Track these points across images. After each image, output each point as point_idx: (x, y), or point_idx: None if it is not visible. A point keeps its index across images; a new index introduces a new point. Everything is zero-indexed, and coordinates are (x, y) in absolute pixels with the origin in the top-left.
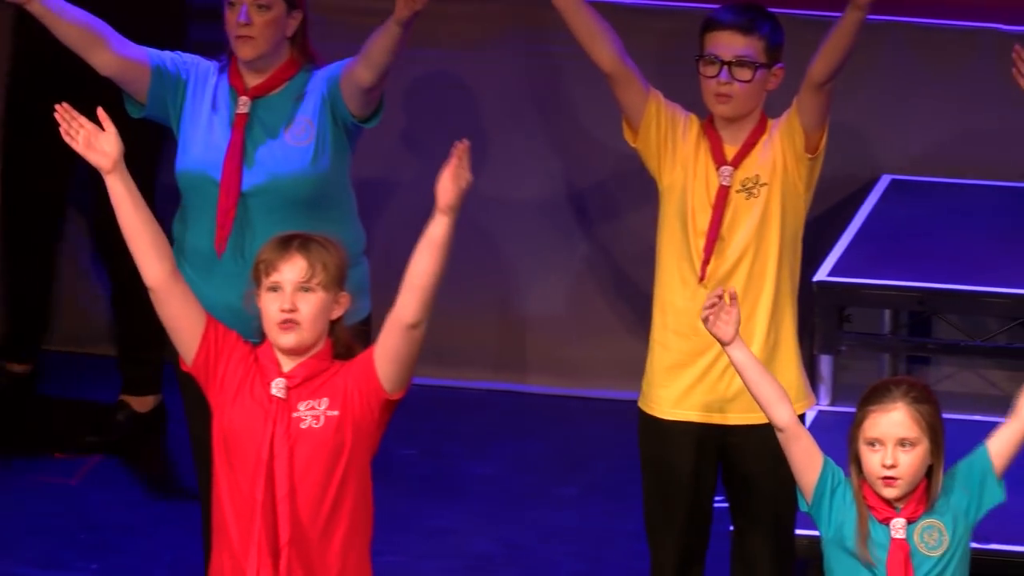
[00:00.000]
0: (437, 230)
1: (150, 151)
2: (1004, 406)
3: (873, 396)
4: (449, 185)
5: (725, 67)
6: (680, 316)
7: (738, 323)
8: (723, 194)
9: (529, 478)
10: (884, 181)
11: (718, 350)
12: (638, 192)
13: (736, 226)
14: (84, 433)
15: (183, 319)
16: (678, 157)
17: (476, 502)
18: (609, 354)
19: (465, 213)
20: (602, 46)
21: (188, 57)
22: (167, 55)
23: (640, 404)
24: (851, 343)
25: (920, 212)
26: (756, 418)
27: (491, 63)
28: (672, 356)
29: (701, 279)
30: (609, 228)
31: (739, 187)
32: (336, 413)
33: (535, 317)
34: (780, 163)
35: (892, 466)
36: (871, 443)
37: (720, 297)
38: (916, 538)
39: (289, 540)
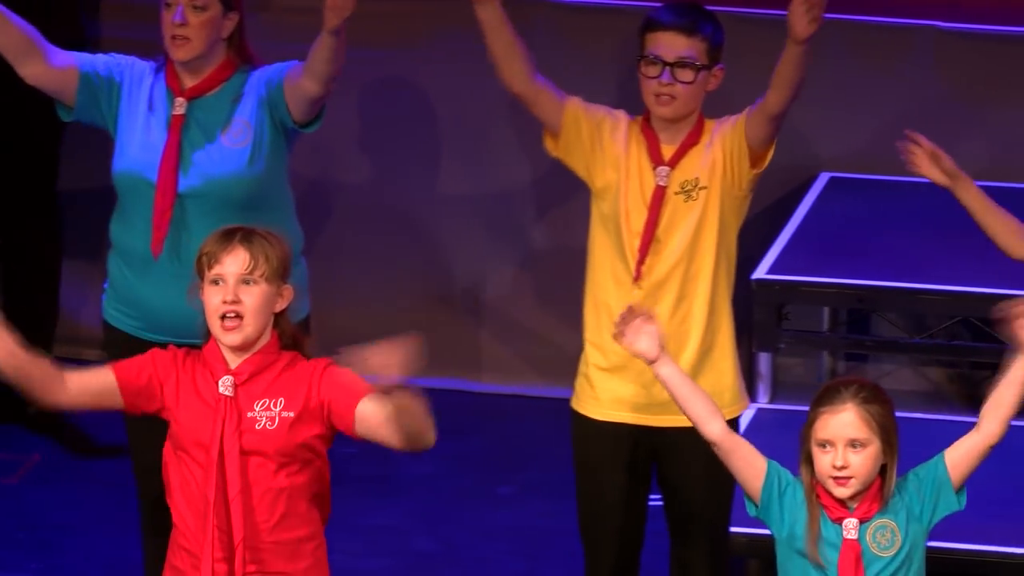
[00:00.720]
0: None
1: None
2: (943, 403)
3: (824, 397)
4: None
5: (667, 68)
6: (614, 316)
7: (662, 339)
8: (659, 194)
9: (468, 477)
10: (822, 179)
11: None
12: (576, 192)
13: (674, 228)
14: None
15: (99, 401)
16: (608, 158)
17: (415, 501)
18: (547, 353)
19: (406, 212)
20: (516, 66)
21: (122, 59)
22: (100, 59)
23: (573, 404)
24: (789, 341)
25: (858, 210)
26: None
27: (438, 62)
28: (606, 357)
29: (636, 279)
30: (548, 227)
31: (678, 189)
32: (291, 415)
33: (473, 316)
34: (720, 169)
35: (843, 467)
36: (822, 444)
37: (631, 314)
38: (868, 537)
39: (243, 539)
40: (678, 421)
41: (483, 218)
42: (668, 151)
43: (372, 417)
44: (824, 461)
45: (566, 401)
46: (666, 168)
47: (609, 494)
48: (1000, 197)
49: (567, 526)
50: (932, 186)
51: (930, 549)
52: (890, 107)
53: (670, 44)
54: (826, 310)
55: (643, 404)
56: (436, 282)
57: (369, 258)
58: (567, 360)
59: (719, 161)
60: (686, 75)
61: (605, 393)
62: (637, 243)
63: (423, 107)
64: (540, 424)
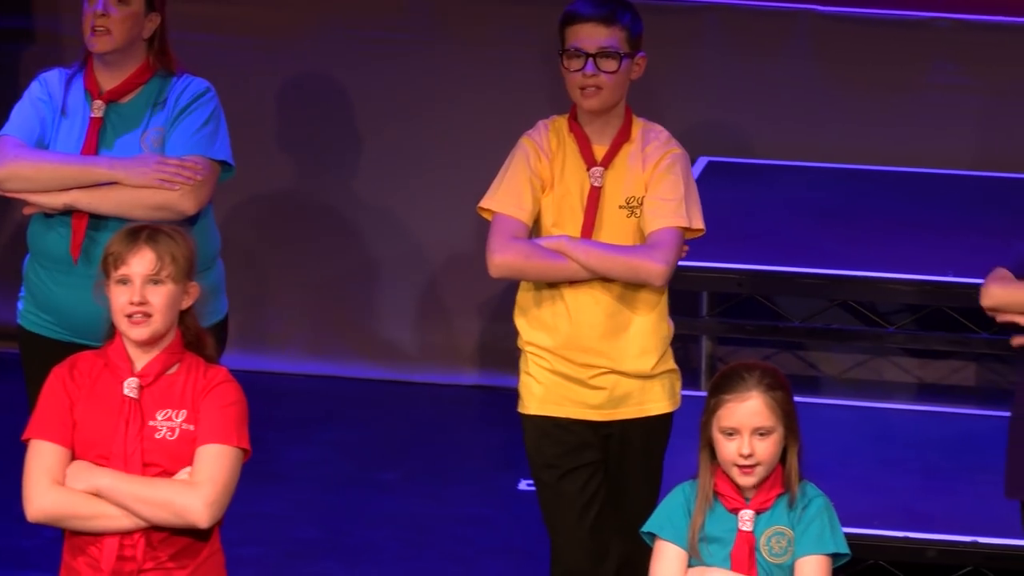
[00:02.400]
0: None
1: None
2: (824, 387)
3: (727, 384)
4: None
5: (590, 59)
6: (555, 315)
7: None
8: (595, 195)
9: (350, 463)
10: (701, 163)
11: (591, 347)
12: (474, 187)
13: (620, 241)
14: None
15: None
16: (549, 166)
17: (297, 488)
18: (430, 339)
19: (285, 199)
20: None
21: (35, 90)
22: (30, 114)
23: (521, 410)
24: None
25: (738, 194)
26: (632, 412)
27: (360, 57)
28: (546, 362)
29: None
30: (433, 219)
31: (622, 203)
32: (192, 428)
33: (355, 302)
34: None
35: (749, 455)
36: (727, 432)
37: None
38: (763, 540)
39: (143, 537)
40: (623, 414)
41: (377, 207)
42: (600, 151)
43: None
44: (729, 449)
45: (448, 387)
46: (600, 169)
47: (570, 491)
48: (874, 180)
49: (449, 511)
50: (812, 170)
51: None
52: (768, 91)
53: (591, 35)
54: (705, 294)
55: (589, 400)
56: (314, 267)
57: (262, 244)
58: (449, 347)
59: (645, 183)
60: (609, 64)
61: (551, 392)
62: None
63: (345, 102)
64: (421, 411)
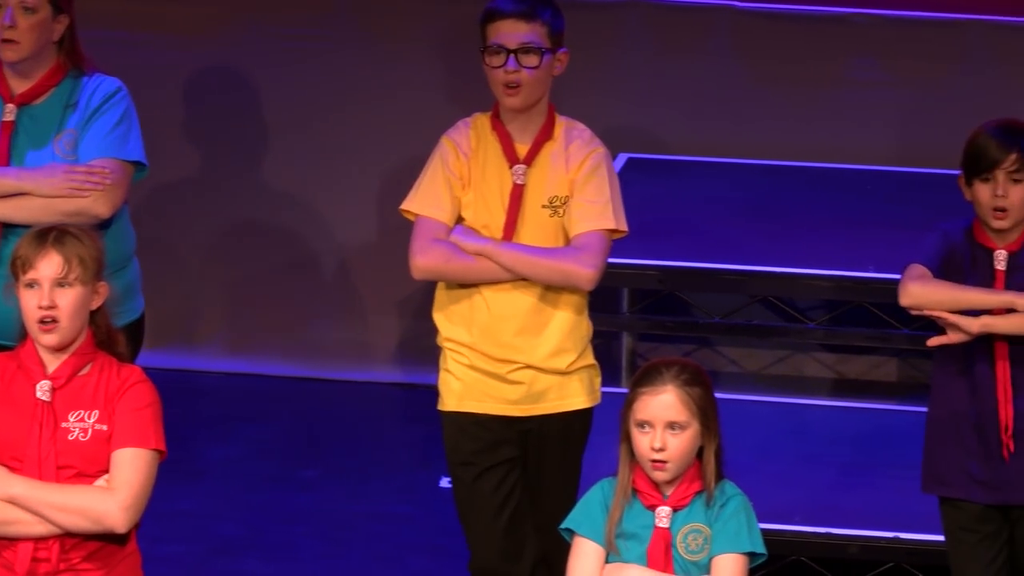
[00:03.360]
0: None
1: None
2: (744, 383)
3: (644, 377)
4: None
5: (512, 56)
6: (475, 312)
7: None
8: (517, 193)
9: (271, 461)
10: (621, 159)
11: (509, 343)
12: (400, 187)
13: (540, 239)
14: None
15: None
16: (470, 165)
17: (217, 485)
18: (351, 337)
19: (207, 198)
20: None
21: None
22: None
23: (440, 407)
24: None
25: (658, 190)
26: (550, 408)
27: (261, 53)
28: (465, 358)
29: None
30: (354, 217)
31: (546, 203)
32: (105, 428)
33: (276, 300)
34: (569, 191)
35: (661, 449)
36: (641, 425)
37: None
38: (679, 538)
39: (57, 541)
40: (543, 409)
41: (300, 205)
42: (522, 149)
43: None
44: (643, 442)
45: (369, 384)
46: (522, 167)
47: (488, 486)
48: (794, 176)
49: (369, 508)
50: (732, 167)
51: None
52: (689, 88)
53: (512, 31)
54: (626, 291)
55: (509, 396)
56: (233, 265)
57: (184, 243)
58: (370, 344)
59: (570, 184)
60: (531, 60)
61: (470, 389)
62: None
63: (267, 100)
64: (340, 408)
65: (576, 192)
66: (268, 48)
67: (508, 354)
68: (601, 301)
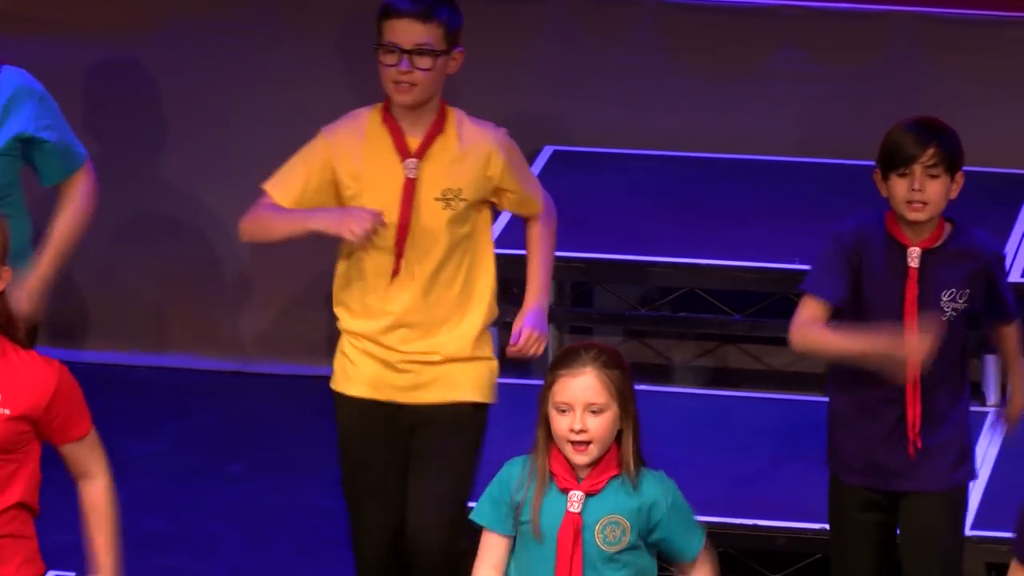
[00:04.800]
0: None
1: None
2: (671, 375)
3: (563, 360)
4: None
5: (405, 56)
6: (372, 307)
7: None
8: (410, 187)
9: (196, 455)
10: (547, 152)
11: (405, 336)
12: None
13: (434, 231)
14: None
15: None
16: (350, 158)
17: (142, 480)
18: (275, 330)
19: (127, 192)
20: None
21: None
22: None
23: (332, 386)
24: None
25: (583, 183)
26: (441, 397)
27: (166, 45)
28: (362, 344)
29: (395, 274)
30: None
31: (438, 195)
32: (7, 411)
33: (200, 294)
34: (483, 188)
35: (581, 431)
36: (560, 407)
37: None
38: (597, 528)
39: None
40: (434, 398)
41: (214, 197)
42: (414, 143)
43: (71, 462)
44: (562, 424)
45: (294, 378)
46: (414, 160)
47: (373, 470)
48: (720, 168)
49: (296, 502)
50: (658, 159)
51: None
52: (613, 80)
53: (406, 31)
54: (552, 283)
55: (399, 384)
56: (156, 257)
57: (100, 237)
58: (295, 338)
59: (482, 181)
60: (424, 62)
61: (364, 372)
62: (394, 237)
63: (153, 90)
64: (266, 402)
65: (506, 182)
66: (171, 41)
67: (404, 346)
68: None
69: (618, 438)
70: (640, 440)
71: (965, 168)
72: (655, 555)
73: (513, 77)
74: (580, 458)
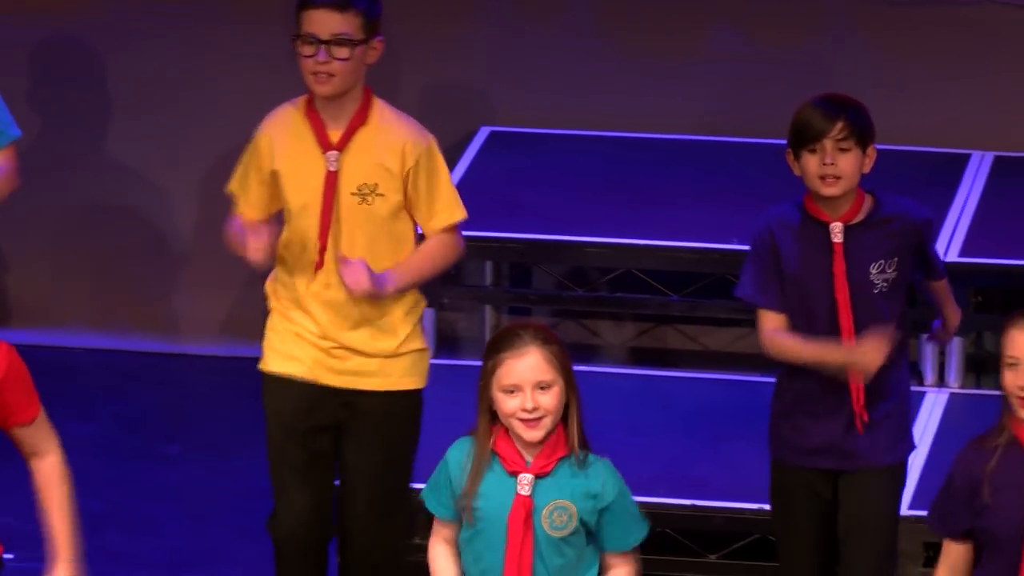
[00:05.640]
0: None
1: None
2: (608, 356)
3: (504, 342)
4: None
5: (322, 46)
6: (299, 295)
7: None
8: (331, 180)
9: (133, 437)
10: (483, 133)
11: (337, 330)
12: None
13: (357, 225)
14: None
15: None
16: (280, 151)
17: (80, 461)
18: (212, 313)
19: (63, 175)
20: None
21: None
22: None
23: (260, 366)
24: (453, 296)
25: (519, 164)
26: (373, 385)
27: (105, 26)
28: (292, 327)
29: (318, 267)
30: (214, 193)
31: (354, 190)
32: None
33: (137, 277)
34: (400, 185)
35: (534, 409)
36: (508, 390)
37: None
38: (544, 513)
39: None
40: (363, 385)
41: (152, 179)
42: (335, 135)
43: (22, 444)
44: (512, 405)
45: (230, 360)
46: (335, 153)
47: (296, 448)
48: (656, 148)
49: (233, 484)
50: (594, 139)
51: None
52: (549, 61)
53: (324, 22)
54: (489, 264)
55: (331, 366)
56: (92, 241)
57: (38, 219)
58: (230, 320)
59: (397, 177)
60: (342, 52)
61: (290, 350)
62: (317, 228)
63: (127, 71)
64: (202, 384)
65: (421, 187)
66: (118, 23)
67: (336, 338)
68: (464, 275)
69: (564, 418)
70: (582, 423)
71: (902, 148)
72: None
73: (449, 59)
74: (533, 434)
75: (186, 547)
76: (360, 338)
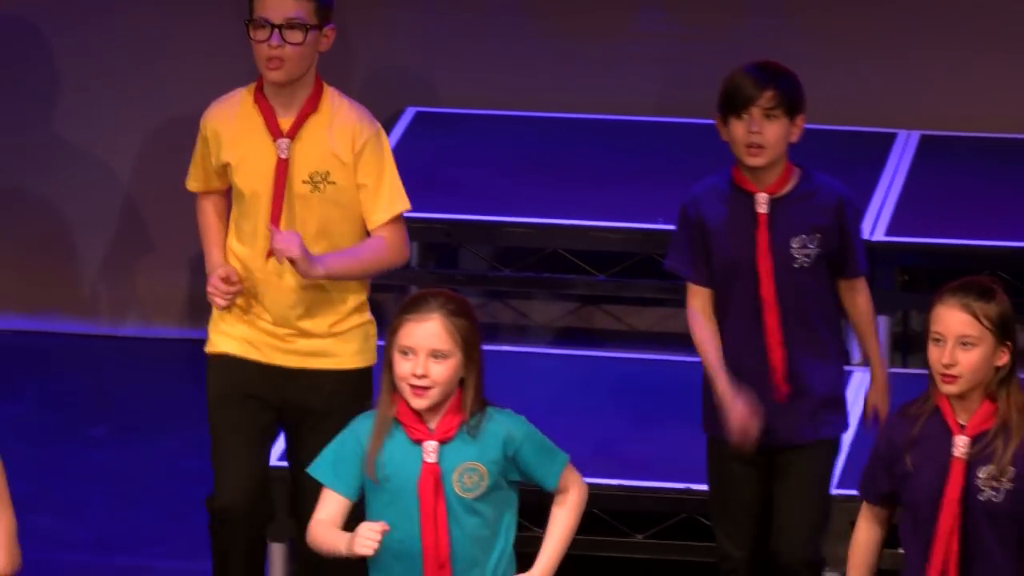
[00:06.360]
0: None
1: None
2: (534, 336)
3: (410, 305)
4: None
5: (276, 30)
6: (251, 280)
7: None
8: (282, 168)
9: (59, 418)
10: (410, 114)
11: (282, 313)
12: (181, 142)
13: (308, 214)
14: None
15: None
16: (228, 140)
17: (6, 443)
18: (138, 293)
19: (15, 153)
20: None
21: None
22: None
23: (207, 349)
24: (380, 277)
25: (445, 144)
26: (319, 364)
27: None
28: (242, 312)
29: (270, 254)
30: (141, 173)
31: (306, 178)
32: None
33: (62, 257)
34: (351, 172)
35: (423, 375)
36: (404, 351)
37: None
38: (455, 476)
39: None
40: (309, 364)
41: (88, 160)
42: (286, 123)
43: None
44: (404, 367)
45: (157, 341)
46: (286, 140)
47: (241, 426)
48: (583, 129)
49: (160, 465)
50: (520, 120)
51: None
52: (475, 41)
53: (277, 6)
54: (415, 244)
55: (273, 347)
56: (31, 224)
57: None
58: (158, 301)
59: (348, 163)
60: (295, 36)
61: (237, 332)
62: (267, 217)
63: (50, 53)
64: (129, 365)
65: (366, 177)
66: (58, 2)
67: (281, 319)
68: None
69: (462, 386)
70: (482, 389)
71: (829, 127)
72: (516, 490)
73: (375, 39)
74: (418, 402)
75: (114, 529)
76: (311, 320)
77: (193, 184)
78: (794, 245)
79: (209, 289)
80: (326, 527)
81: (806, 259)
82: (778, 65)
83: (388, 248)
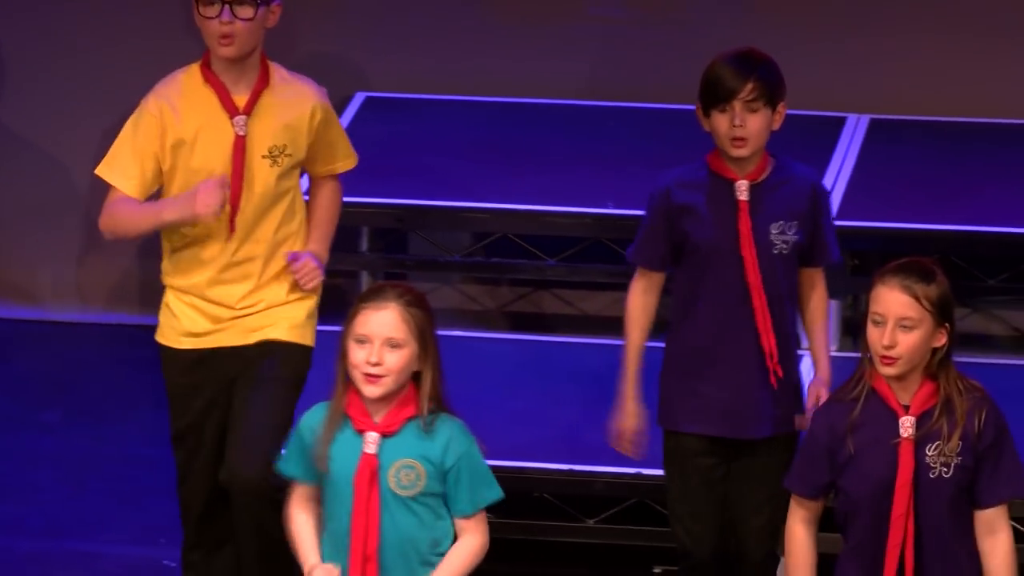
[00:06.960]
0: None
1: None
2: (485, 321)
3: (368, 294)
4: None
5: (226, 6)
6: (205, 262)
7: None
8: (240, 145)
9: (10, 404)
10: (358, 99)
11: (224, 291)
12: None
13: (267, 188)
14: None
15: None
16: (183, 119)
17: None
18: (90, 279)
19: None
20: None
21: None
22: None
23: (157, 338)
24: (329, 262)
25: (395, 129)
26: (255, 337)
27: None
28: (189, 297)
29: (232, 231)
30: (94, 159)
31: (265, 153)
32: None
33: (13, 242)
34: (305, 143)
35: (377, 363)
36: (359, 339)
37: None
38: (391, 472)
39: None
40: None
41: (35, 145)
42: (240, 100)
43: None
44: (358, 355)
45: (109, 327)
46: (243, 117)
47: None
48: (533, 113)
49: (113, 451)
50: (470, 104)
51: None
52: (426, 24)
53: None
54: (365, 230)
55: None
56: None
57: None
58: (109, 286)
59: (303, 136)
60: (246, 12)
61: (187, 323)
62: (227, 196)
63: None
64: (82, 350)
65: (321, 140)
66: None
67: (227, 297)
68: (340, 240)
69: (418, 380)
70: (441, 386)
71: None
72: None
73: (323, 23)
74: (371, 390)
75: (65, 514)
76: (256, 298)
77: (127, 184)
78: (773, 231)
79: (201, 197)
80: (301, 540)
81: (784, 245)
82: (757, 52)
83: (339, 193)
